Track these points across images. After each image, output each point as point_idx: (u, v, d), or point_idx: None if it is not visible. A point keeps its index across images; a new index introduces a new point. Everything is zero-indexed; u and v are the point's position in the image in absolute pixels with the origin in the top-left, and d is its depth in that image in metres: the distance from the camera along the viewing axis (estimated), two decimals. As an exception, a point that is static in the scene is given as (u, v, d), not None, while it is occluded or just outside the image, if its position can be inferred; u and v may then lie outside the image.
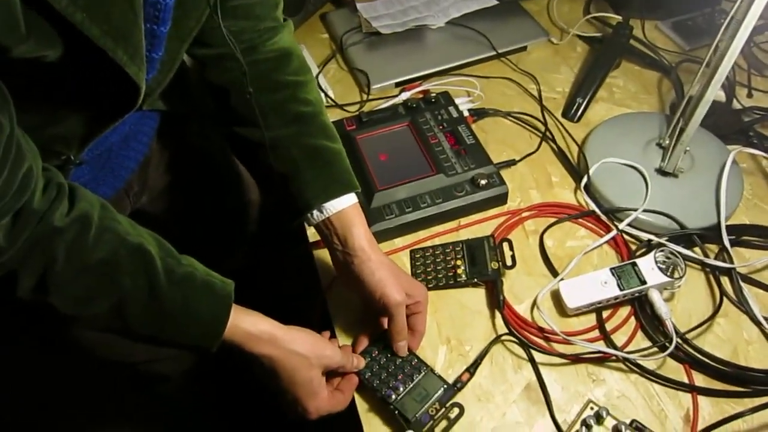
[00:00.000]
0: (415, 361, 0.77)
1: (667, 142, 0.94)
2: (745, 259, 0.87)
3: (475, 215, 0.94)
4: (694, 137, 0.89)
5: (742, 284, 0.83)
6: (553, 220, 0.93)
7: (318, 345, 0.72)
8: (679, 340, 0.77)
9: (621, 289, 0.80)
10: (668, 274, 0.80)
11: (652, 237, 0.89)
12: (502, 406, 0.75)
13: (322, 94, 1.13)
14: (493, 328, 0.82)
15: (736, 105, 1.07)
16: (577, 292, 0.81)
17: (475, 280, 0.85)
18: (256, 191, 1.14)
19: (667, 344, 0.76)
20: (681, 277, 0.80)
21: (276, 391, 0.72)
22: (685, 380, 0.75)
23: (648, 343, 0.79)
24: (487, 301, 0.85)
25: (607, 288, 0.81)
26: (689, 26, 1.26)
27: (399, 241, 0.92)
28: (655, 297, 0.79)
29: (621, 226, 0.90)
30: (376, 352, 0.78)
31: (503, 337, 0.80)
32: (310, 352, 0.70)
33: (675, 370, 0.76)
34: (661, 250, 0.83)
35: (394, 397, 0.73)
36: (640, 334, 0.80)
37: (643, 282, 0.80)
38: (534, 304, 0.83)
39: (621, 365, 0.77)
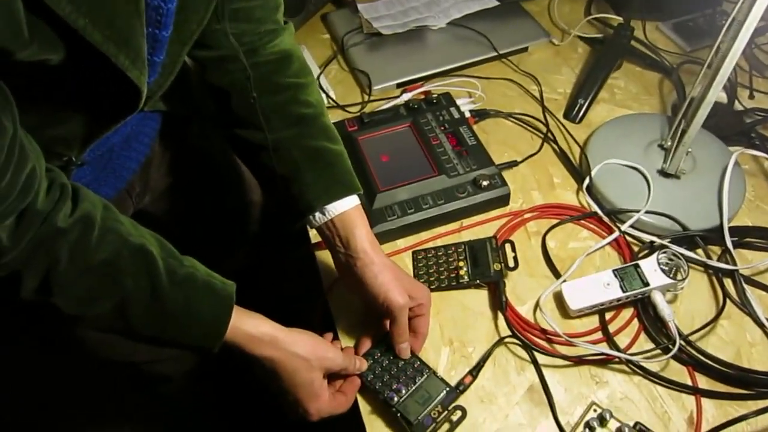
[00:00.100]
0: (417, 364, 0.76)
1: (669, 143, 0.94)
2: (748, 260, 0.87)
3: (477, 216, 0.94)
4: (695, 139, 0.89)
5: (745, 286, 0.83)
6: (555, 221, 0.93)
7: (319, 347, 0.72)
8: (683, 342, 0.77)
9: (624, 291, 0.80)
10: (671, 275, 0.80)
11: (654, 238, 0.89)
12: (505, 408, 0.75)
13: (324, 95, 1.12)
14: (496, 329, 0.82)
15: (737, 106, 1.07)
16: (579, 294, 0.81)
17: (478, 281, 0.85)
18: (258, 192, 1.14)
19: (670, 346, 0.76)
20: (684, 279, 0.80)
21: (277, 392, 0.72)
22: (689, 382, 0.75)
23: (651, 345, 0.79)
24: (490, 303, 0.84)
25: (610, 290, 0.80)
26: (690, 27, 1.26)
27: (401, 242, 0.92)
28: (658, 299, 0.79)
29: (623, 227, 0.90)
30: (379, 354, 0.78)
31: (506, 339, 0.80)
32: (311, 354, 0.70)
33: (678, 372, 0.76)
34: (664, 252, 0.82)
35: (396, 399, 0.73)
36: (643, 335, 0.80)
37: (646, 284, 0.80)
38: (536, 305, 0.83)
39: (624, 367, 0.77)
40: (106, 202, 0.63)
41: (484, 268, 0.85)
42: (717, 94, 0.84)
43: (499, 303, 0.82)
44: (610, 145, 1.01)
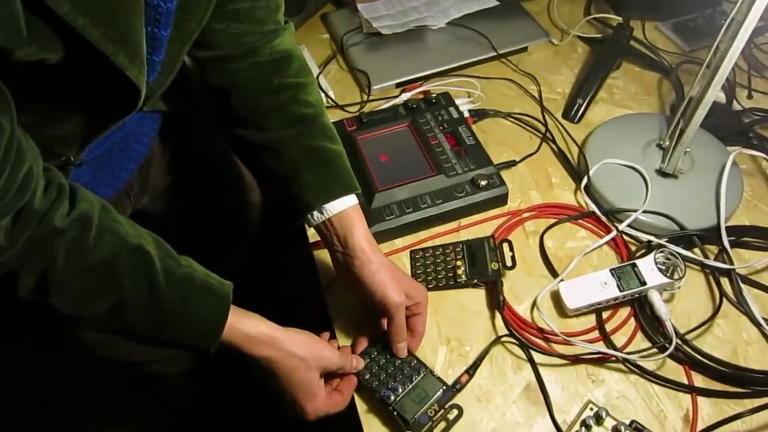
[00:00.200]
0: (414, 362, 0.77)
1: (667, 143, 0.94)
2: (745, 260, 0.87)
3: (475, 216, 0.95)
4: (694, 138, 0.89)
5: (742, 285, 0.83)
6: (553, 221, 0.93)
7: (316, 347, 0.72)
8: (679, 341, 0.77)
9: (621, 290, 0.80)
10: (668, 275, 0.80)
11: (651, 238, 0.89)
12: (502, 407, 0.75)
13: (323, 95, 1.13)
14: (493, 328, 0.82)
15: (736, 106, 1.07)
16: (576, 293, 0.81)
17: (475, 280, 0.85)
18: (257, 192, 1.14)
19: (666, 345, 0.76)
20: (681, 278, 0.80)
21: (274, 392, 0.72)
22: (685, 381, 0.75)
23: (648, 344, 0.79)
24: (487, 302, 0.85)
25: (607, 289, 0.81)
26: (689, 27, 1.26)
27: (399, 242, 0.92)
28: (655, 298, 0.79)
29: (621, 227, 0.90)
30: (376, 353, 0.78)
31: (503, 338, 0.80)
32: (308, 354, 0.70)
33: (675, 371, 0.76)
34: (661, 251, 0.83)
35: (393, 398, 0.73)
36: (639, 334, 0.80)
37: (643, 283, 0.80)
38: (534, 304, 0.83)
39: (621, 366, 0.77)
40: (103, 201, 0.64)
41: (481, 267, 0.85)
42: (715, 94, 0.84)
43: (496, 302, 0.82)
44: (608, 144, 1.01)
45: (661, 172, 0.95)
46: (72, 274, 0.59)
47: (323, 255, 0.87)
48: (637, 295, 0.81)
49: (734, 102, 1.07)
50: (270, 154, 0.77)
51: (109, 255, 0.60)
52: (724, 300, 0.82)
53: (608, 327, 0.81)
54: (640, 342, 0.80)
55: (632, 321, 0.81)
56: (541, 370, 0.77)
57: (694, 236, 0.88)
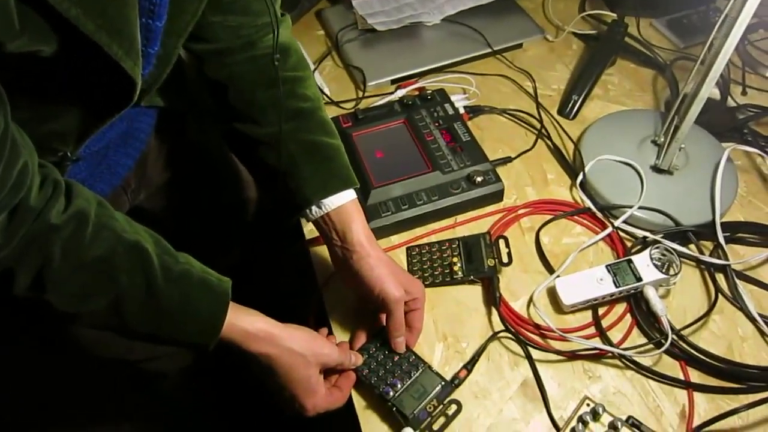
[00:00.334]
0: (412, 358, 0.77)
1: (662, 139, 0.94)
2: (740, 255, 0.87)
3: (471, 212, 0.95)
4: (688, 135, 0.89)
5: (737, 281, 0.83)
6: (548, 217, 0.93)
7: (315, 343, 0.72)
8: (675, 337, 0.78)
9: (617, 286, 0.80)
10: (663, 270, 0.81)
11: (647, 234, 0.89)
12: (499, 403, 0.75)
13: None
14: (490, 325, 0.82)
15: (730, 102, 1.07)
16: (573, 289, 0.82)
17: (472, 277, 0.85)
18: (254, 188, 1.14)
19: (662, 341, 0.76)
20: (676, 274, 0.81)
21: (273, 388, 0.72)
22: (681, 376, 0.76)
23: (644, 340, 0.79)
24: (484, 298, 0.85)
25: (603, 285, 0.81)
26: (684, 24, 1.27)
27: (395, 238, 0.92)
28: (651, 294, 0.80)
29: (616, 223, 0.90)
30: (374, 349, 0.78)
31: (500, 334, 0.80)
32: (307, 351, 0.70)
33: (671, 367, 0.77)
34: (657, 247, 0.83)
35: (392, 393, 0.73)
36: (635, 330, 0.80)
37: (639, 279, 0.80)
38: (530, 301, 0.84)
39: (617, 362, 0.77)
40: (100, 198, 0.63)
41: (478, 263, 0.85)
42: (710, 90, 0.84)
43: (492, 298, 0.82)
44: (603, 141, 1.01)
45: (656, 169, 0.95)
46: (68, 271, 0.59)
47: (320, 251, 0.87)
48: (633, 291, 0.81)
49: (729, 98, 1.07)
50: (267, 148, 0.77)
51: (105, 252, 0.60)
52: (720, 296, 0.83)
53: (604, 323, 0.81)
54: (636, 338, 0.80)
55: (628, 317, 0.82)
56: (538, 366, 0.77)
57: (689, 232, 0.88)
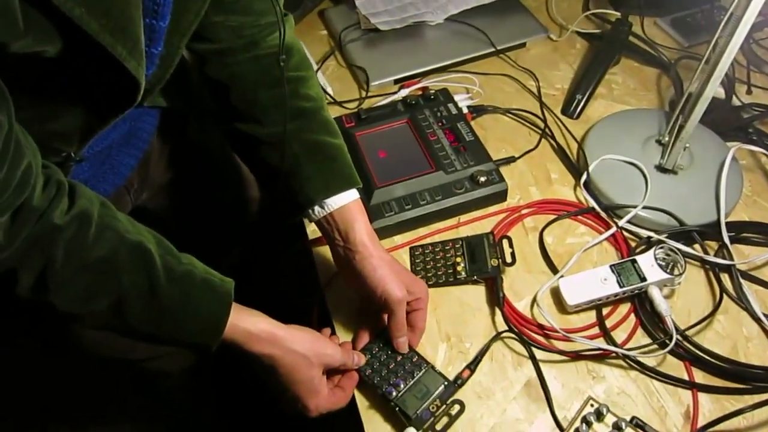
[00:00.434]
0: (415, 358, 0.77)
1: (667, 138, 0.94)
2: (745, 255, 0.87)
3: (474, 212, 0.94)
4: (693, 134, 0.89)
5: (742, 281, 0.83)
6: (552, 217, 0.93)
7: (318, 344, 0.72)
8: (679, 337, 0.77)
9: (621, 286, 0.80)
10: (668, 271, 0.80)
11: (651, 234, 0.89)
12: (503, 403, 0.75)
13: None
14: (493, 325, 0.82)
15: (735, 102, 1.07)
16: (576, 289, 0.81)
17: (475, 277, 0.85)
18: (256, 188, 1.14)
19: (667, 341, 0.76)
20: (681, 274, 0.80)
21: (276, 389, 0.72)
22: (685, 377, 0.75)
23: (648, 340, 0.79)
24: (487, 299, 0.84)
25: (607, 285, 0.81)
26: (688, 23, 1.26)
27: (398, 239, 0.92)
28: (655, 294, 0.79)
29: (621, 223, 0.90)
30: (377, 349, 0.78)
31: (503, 334, 0.80)
32: (310, 351, 0.70)
33: (675, 367, 0.76)
34: (661, 247, 0.83)
35: (394, 393, 0.73)
36: (640, 331, 0.80)
37: (643, 279, 0.80)
38: (534, 301, 0.83)
39: (621, 362, 0.77)
40: (103, 198, 0.63)
41: (481, 263, 0.85)
42: (715, 89, 0.84)
43: (496, 298, 0.82)
44: (607, 140, 1.01)
45: (661, 168, 0.95)
46: (71, 272, 0.59)
47: (322, 251, 0.87)
48: (637, 291, 0.81)
49: (733, 97, 1.07)
50: (270, 148, 0.77)
51: (108, 252, 0.60)
52: (725, 296, 0.82)
53: (608, 323, 0.80)
54: (641, 338, 0.80)
55: (632, 317, 0.81)
56: (542, 367, 0.77)
57: (694, 232, 0.88)
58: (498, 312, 0.82)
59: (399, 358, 0.76)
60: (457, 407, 0.73)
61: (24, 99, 0.54)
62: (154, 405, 1.40)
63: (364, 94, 1.15)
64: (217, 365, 1.26)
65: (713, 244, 0.88)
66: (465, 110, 1.07)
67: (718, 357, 0.76)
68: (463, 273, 0.85)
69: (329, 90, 1.15)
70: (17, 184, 0.54)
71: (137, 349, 1.00)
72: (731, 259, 0.85)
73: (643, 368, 0.76)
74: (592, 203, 0.93)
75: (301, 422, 0.76)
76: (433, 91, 1.08)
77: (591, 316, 0.82)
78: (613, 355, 0.77)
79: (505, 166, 1.00)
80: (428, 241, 0.91)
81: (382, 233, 0.90)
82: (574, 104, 1.10)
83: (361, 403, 0.76)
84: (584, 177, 0.96)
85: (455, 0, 1.29)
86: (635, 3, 1.25)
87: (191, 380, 1.23)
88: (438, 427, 0.71)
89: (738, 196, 0.93)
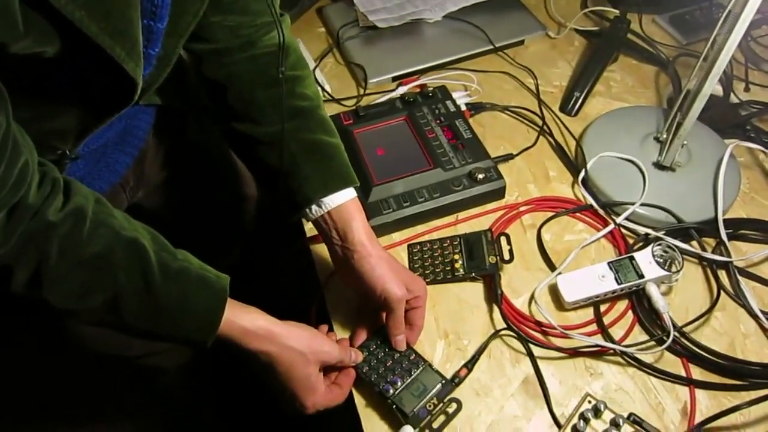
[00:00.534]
0: (413, 356, 0.77)
1: (665, 136, 0.94)
2: (743, 252, 0.87)
3: (472, 209, 0.94)
4: (691, 131, 0.89)
5: (740, 278, 0.83)
6: (550, 214, 0.93)
7: (315, 341, 0.72)
8: (677, 334, 0.77)
9: (619, 283, 0.80)
10: (666, 267, 0.80)
11: (649, 231, 0.89)
12: (500, 400, 0.75)
13: (319, 89, 1.12)
14: (491, 322, 0.82)
15: (733, 99, 1.07)
16: (574, 286, 0.81)
17: (473, 274, 0.85)
18: (253, 186, 1.14)
19: (664, 338, 0.76)
20: (678, 271, 0.80)
21: (273, 386, 0.72)
22: (683, 373, 0.75)
23: (645, 337, 0.79)
24: (485, 296, 0.84)
25: (605, 282, 0.81)
26: (686, 20, 1.26)
27: (396, 236, 0.92)
28: (653, 291, 0.79)
29: (618, 220, 0.90)
30: (374, 347, 0.78)
31: (501, 332, 0.80)
32: (307, 348, 0.70)
33: (672, 364, 0.76)
34: (659, 244, 0.83)
35: (392, 391, 0.73)
36: (637, 327, 0.80)
37: (641, 276, 0.80)
38: (532, 298, 0.83)
39: (619, 359, 0.77)
40: (98, 195, 0.63)
41: (479, 261, 0.85)
42: (713, 86, 0.84)
43: (494, 296, 0.82)
44: (605, 138, 1.01)
45: (659, 165, 0.95)
46: (66, 269, 0.59)
47: (321, 249, 0.87)
48: (634, 288, 0.81)
49: (731, 95, 1.07)
50: (267, 148, 0.77)
51: (103, 249, 0.60)
52: (722, 292, 0.82)
53: (606, 320, 0.80)
54: (638, 335, 0.80)
55: (630, 314, 0.81)
56: (540, 364, 0.77)
57: (691, 229, 0.88)
58: (496, 309, 0.82)
59: (396, 355, 0.76)
60: (454, 406, 0.73)
61: (22, 98, 0.54)
62: (153, 403, 1.40)
63: (362, 91, 1.15)
64: (216, 364, 1.26)
65: (711, 241, 0.88)
66: (463, 108, 1.07)
67: (716, 354, 0.76)
68: (461, 270, 0.85)
69: (327, 87, 1.15)
70: (14, 182, 0.54)
71: (133, 345, 1.00)
72: (729, 256, 0.85)
73: (641, 365, 0.76)
74: (590, 200, 0.93)
75: (299, 420, 0.76)
76: (431, 89, 1.08)
77: (589, 313, 0.82)
78: (611, 351, 0.77)
79: (503, 164, 1.00)
80: (426, 238, 0.91)
81: (380, 230, 0.90)
82: (573, 101, 1.10)
83: (359, 400, 0.76)
84: (582, 174, 0.96)
85: (453, -3, 1.28)
86: (633, 0, 1.25)
87: (190, 379, 1.23)
88: (435, 425, 0.71)
89: (735, 193, 0.93)
